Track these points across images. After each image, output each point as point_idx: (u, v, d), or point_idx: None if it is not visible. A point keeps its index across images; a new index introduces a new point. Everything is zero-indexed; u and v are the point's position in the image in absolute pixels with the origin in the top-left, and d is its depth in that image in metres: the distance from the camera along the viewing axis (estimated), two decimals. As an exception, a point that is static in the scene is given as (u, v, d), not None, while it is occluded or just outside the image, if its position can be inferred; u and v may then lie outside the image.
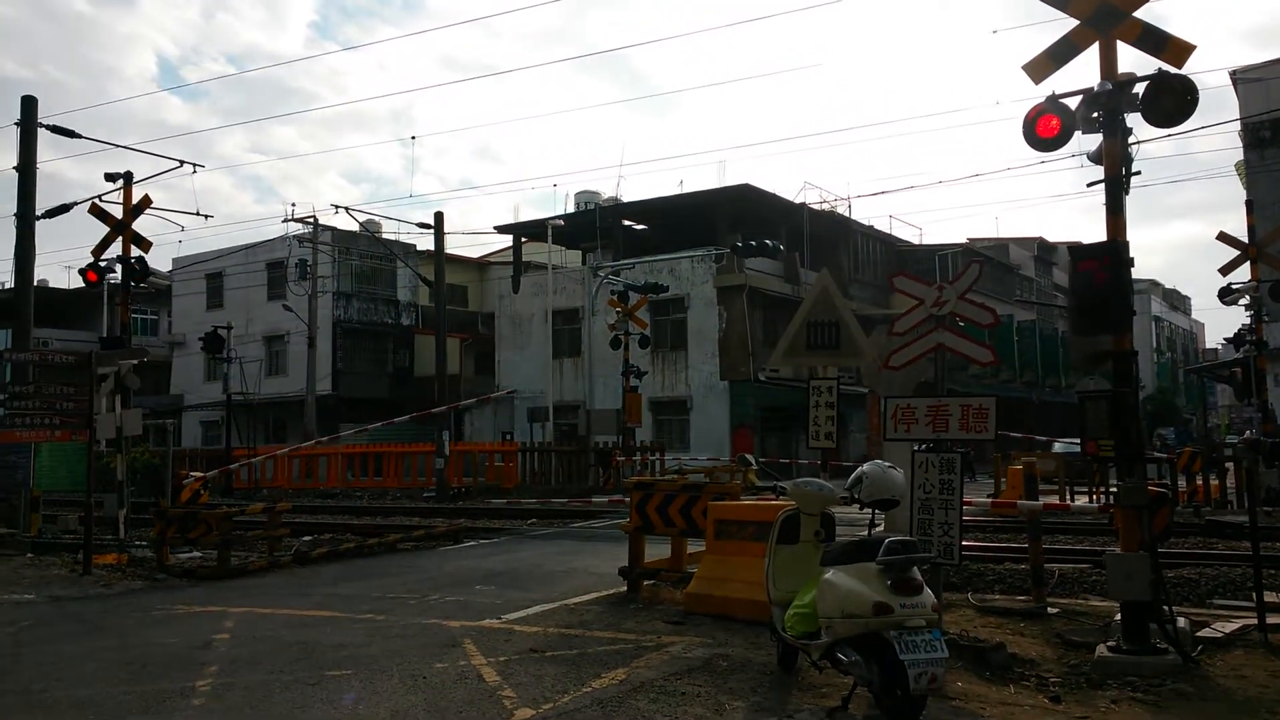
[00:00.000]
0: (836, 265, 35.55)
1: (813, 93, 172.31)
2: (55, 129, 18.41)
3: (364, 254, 42.06)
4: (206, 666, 6.76)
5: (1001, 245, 50.29)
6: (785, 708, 5.67)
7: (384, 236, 39.78)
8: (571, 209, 42.44)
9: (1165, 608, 6.68)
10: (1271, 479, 15.13)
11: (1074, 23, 7.15)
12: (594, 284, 35.67)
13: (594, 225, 37.43)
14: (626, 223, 40.01)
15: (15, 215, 18.12)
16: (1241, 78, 30.02)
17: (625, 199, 41.72)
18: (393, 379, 43.63)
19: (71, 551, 13.38)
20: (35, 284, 19.41)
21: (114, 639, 7.96)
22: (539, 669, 6.50)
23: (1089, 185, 7.30)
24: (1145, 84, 6.82)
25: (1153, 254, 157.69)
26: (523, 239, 40.57)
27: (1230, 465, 18.82)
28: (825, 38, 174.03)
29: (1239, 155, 30.62)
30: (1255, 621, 7.27)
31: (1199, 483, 18.05)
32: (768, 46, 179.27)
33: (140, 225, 15.70)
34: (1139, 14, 6.96)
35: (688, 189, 38.53)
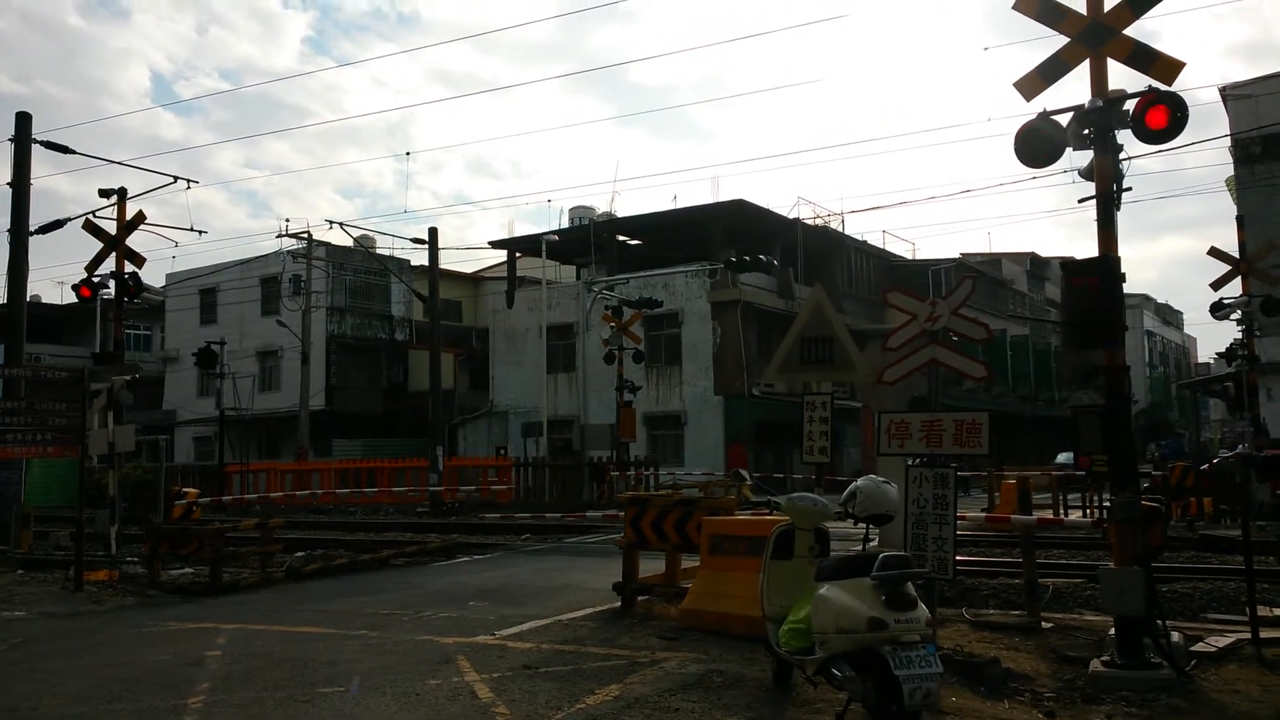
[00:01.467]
0: (830, 280, 35.66)
1: (806, 109, 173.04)
2: (49, 145, 18.42)
3: (358, 269, 42.07)
4: (198, 684, 6.72)
5: (994, 260, 50.50)
6: (780, 724, 5.65)
7: (378, 252, 39.76)
8: (566, 224, 42.55)
9: (1159, 622, 6.69)
10: (1264, 493, 15.15)
11: (1065, 40, 7.21)
12: (588, 299, 35.70)
13: (588, 240, 37.49)
14: (621, 238, 40.09)
15: (9, 231, 18.13)
16: (1231, 94, 30.24)
17: (620, 214, 41.85)
18: (387, 394, 43.56)
19: (63, 568, 13.31)
20: (28, 300, 19.39)
21: (105, 656, 7.91)
22: (532, 685, 6.48)
23: (1080, 201, 7.34)
24: (1136, 101, 6.87)
25: (1145, 269, 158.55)
26: (517, 254, 40.61)
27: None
28: (818, 55, 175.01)
29: (1229, 171, 30.83)
30: (1249, 636, 7.28)
31: (1192, 497, 18.05)
32: (761, 63, 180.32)
33: (134, 241, 15.69)
34: (1129, 31, 7.03)
35: (682, 204, 38.71)
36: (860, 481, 6.01)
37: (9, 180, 18.15)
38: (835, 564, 5.55)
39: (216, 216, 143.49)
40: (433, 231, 29.73)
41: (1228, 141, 29.67)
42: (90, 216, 15.85)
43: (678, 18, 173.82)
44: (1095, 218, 7.07)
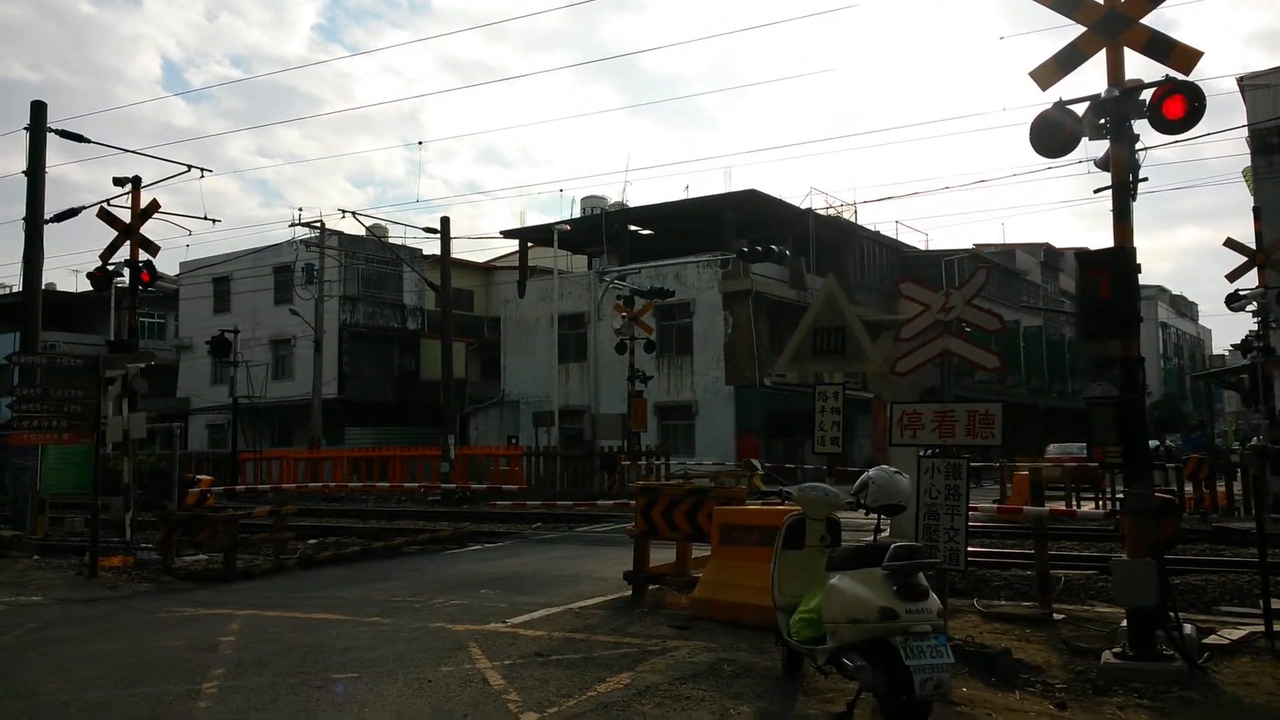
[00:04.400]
0: (842, 270, 35.57)
1: (819, 98, 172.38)
2: (64, 133, 18.50)
3: (370, 258, 42.13)
4: (212, 669, 6.77)
5: (1008, 251, 50.29)
6: (790, 713, 5.66)
7: (390, 241, 39.83)
8: (578, 214, 42.50)
9: (1172, 614, 6.66)
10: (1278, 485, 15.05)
11: (1081, 29, 7.14)
12: (600, 289, 35.70)
13: (600, 230, 37.49)
14: (632, 228, 40.04)
15: (24, 219, 18.20)
16: (1249, 84, 29.94)
17: (631, 204, 41.82)
18: (399, 383, 43.70)
19: (78, 554, 13.40)
20: (43, 287, 19.49)
21: (120, 641, 7.97)
22: (544, 673, 6.50)
23: (1096, 191, 7.29)
24: (1152, 90, 6.81)
25: (1160, 260, 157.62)
26: (529, 244, 40.62)
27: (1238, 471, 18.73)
28: (832, 44, 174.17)
29: (1247, 161, 30.54)
30: (1262, 628, 7.24)
31: (1206, 489, 17.99)
32: (774, 52, 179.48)
33: (147, 229, 15.76)
34: (1146, 20, 6.96)
35: (694, 194, 38.58)
36: (872, 472, 6.01)
37: (24, 169, 18.23)
38: (847, 554, 5.55)
39: (228, 205, 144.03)
40: (445, 221, 29.73)
41: (1245, 132, 29.38)
42: (105, 205, 15.93)
43: (688, 6, 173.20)
44: (1111, 208, 7.02)
